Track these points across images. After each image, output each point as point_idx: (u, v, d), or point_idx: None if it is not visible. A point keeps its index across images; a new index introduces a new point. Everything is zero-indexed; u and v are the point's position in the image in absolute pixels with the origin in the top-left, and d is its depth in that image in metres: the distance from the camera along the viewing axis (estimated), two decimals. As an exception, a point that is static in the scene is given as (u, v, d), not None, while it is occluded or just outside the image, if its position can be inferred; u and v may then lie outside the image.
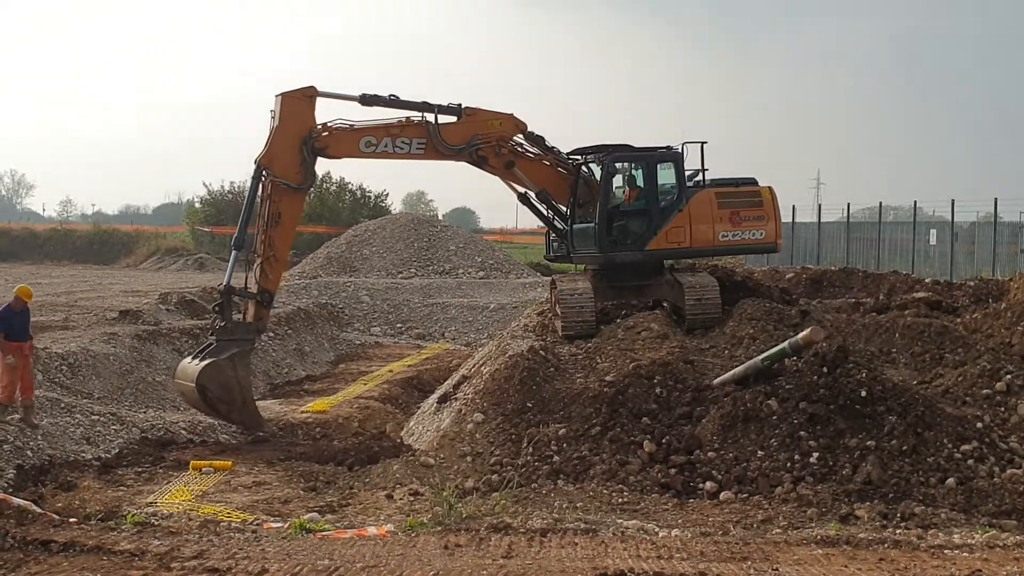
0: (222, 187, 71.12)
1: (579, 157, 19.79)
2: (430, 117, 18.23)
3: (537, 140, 19.23)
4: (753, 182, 19.78)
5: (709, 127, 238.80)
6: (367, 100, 17.94)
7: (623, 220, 19.37)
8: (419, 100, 18.28)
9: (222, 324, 17.41)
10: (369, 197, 70.85)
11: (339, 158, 18.33)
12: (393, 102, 18.21)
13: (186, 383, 17.06)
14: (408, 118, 18.34)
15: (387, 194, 73.19)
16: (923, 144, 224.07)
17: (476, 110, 18.69)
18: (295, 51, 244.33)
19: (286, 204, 17.51)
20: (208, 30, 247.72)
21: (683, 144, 19.27)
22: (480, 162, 18.74)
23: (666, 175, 19.27)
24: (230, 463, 14.95)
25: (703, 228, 18.99)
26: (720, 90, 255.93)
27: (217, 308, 17.91)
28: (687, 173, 19.32)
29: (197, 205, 75.00)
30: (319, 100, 17.73)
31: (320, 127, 17.63)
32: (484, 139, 18.49)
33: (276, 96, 17.59)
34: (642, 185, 19.21)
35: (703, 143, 19.37)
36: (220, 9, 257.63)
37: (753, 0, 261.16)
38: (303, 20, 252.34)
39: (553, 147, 19.47)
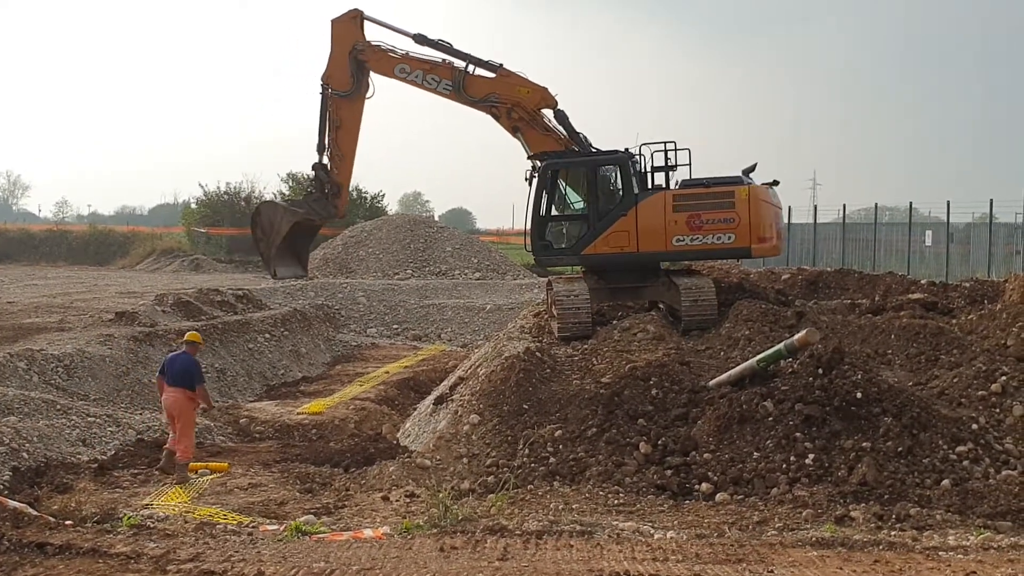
0: (218, 188, 71.03)
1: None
2: (469, 67, 20.17)
3: (561, 118, 19.60)
4: (735, 181, 18.94)
5: (704, 127, 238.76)
6: (419, 39, 20.45)
7: (560, 224, 19.70)
8: (466, 52, 20.36)
9: (311, 190, 21.68)
10: (365, 198, 70.74)
11: (378, 73, 20.74)
12: (441, 46, 20.31)
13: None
14: (446, 60, 20.25)
15: (383, 195, 73.11)
16: (919, 145, 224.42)
17: (511, 73, 19.94)
18: (292, 49, 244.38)
19: (343, 111, 21.04)
20: (206, 27, 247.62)
21: (640, 146, 19.31)
22: (495, 118, 20.20)
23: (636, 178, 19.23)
24: (227, 465, 14.99)
25: (653, 232, 18.69)
26: (716, 91, 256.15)
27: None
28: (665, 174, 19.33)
29: (193, 206, 74.90)
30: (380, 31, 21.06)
31: (366, 43, 20.55)
32: (500, 99, 19.84)
33: (330, 22, 20.88)
34: (584, 190, 19.45)
35: (666, 143, 19.34)
36: (214, 5, 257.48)
37: (750, 2, 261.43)
38: (300, 20, 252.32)
39: (577, 132, 19.74)
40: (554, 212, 19.64)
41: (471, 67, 20.08)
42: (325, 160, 21.55)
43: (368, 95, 21.21)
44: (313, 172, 21.30)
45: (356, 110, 21.26)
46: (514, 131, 20.17)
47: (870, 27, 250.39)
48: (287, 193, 69.90)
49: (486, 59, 20.11)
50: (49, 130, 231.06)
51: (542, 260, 20.39)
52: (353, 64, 20.64)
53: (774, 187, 19.25)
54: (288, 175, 70.46)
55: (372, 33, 21.00)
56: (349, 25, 20.99)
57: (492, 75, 20.09)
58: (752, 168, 19.01)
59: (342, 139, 21.23)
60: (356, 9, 21.09)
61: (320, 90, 21.23)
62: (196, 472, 14.53)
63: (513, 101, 19.85)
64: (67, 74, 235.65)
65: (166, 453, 14.60)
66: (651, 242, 18.68)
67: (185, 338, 15.54)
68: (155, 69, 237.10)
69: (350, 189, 68.21)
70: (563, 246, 19.59)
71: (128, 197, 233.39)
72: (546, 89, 19.91)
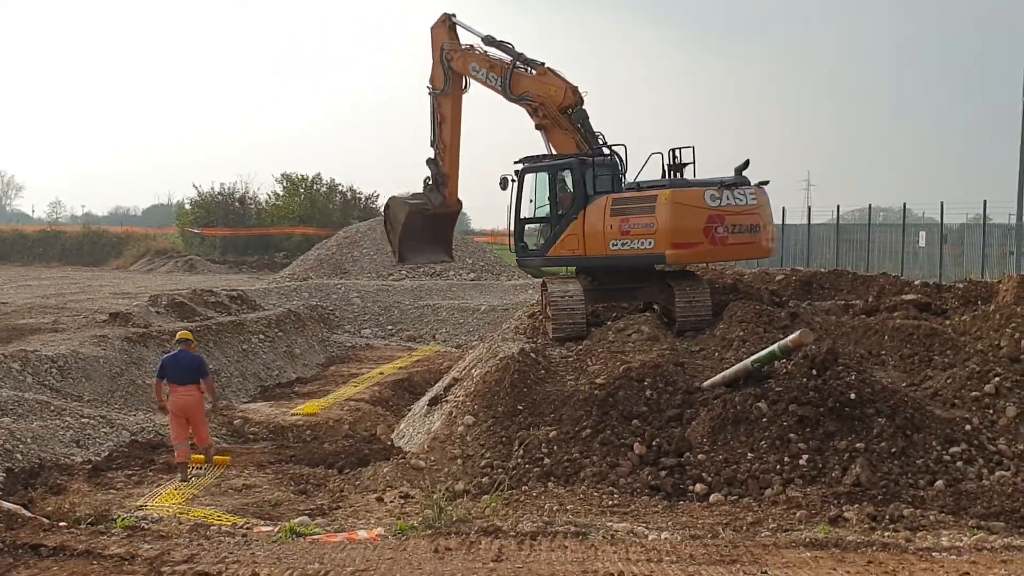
0: (212, 188, 70.99)
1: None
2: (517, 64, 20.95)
3: (581, 118, 20.13)
4: (673, 185, 18.66)
5: (698, 128, 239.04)
6: (487, 40, 21.44)
7: (533, 226, 20.48)
8: (520, 52, 21.08)
9: (428, 181, 22.50)
10: (360, 198, 70.78)
11: (459, 71, 21.67)
12: (503, 46, 21.30)
13: None
14: (504, 59, 21.15)
15: (377, 195, 73.02)
16: (912, 146, 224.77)
17: (547, 72, 20.48)
18: (293, 49, 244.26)
19: (442, 107, 21.94)
20: (206, 26, 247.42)
21: (608, 147, 19.46)
22: (530, 116, 20.89)
23: (602, 182, 19.32)
24: (228, 457, 15.25)
25: (594, 237, 18.74)
26: (710, 92, 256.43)
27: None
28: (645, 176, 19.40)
29: (187, 207, 74.85)
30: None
31: (450, 43, 21.62)
32: (532, 97, 20.39)
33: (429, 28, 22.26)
34: (547, 193, 19.78)
35: (624, 146, 19.76)
36: (216, 7, 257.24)
37: (744, 3, 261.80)
38: (299, 20, 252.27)
39: (594, 133, 20.14)
40: (526, 215, 20.20)
41: (519, 65, 20.75)
42: (434, 154, 22.64)
43: (464, 90, 22.12)
44: (428, 165, 22.64)
45: (453, 105, 22.18)
46: (539, 129, 20.74)
47: (864, 28, 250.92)
48: (280, 193, 70.02)
49: (532, 58, 20.87)
50: (43, 131, 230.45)
51: (520, 261, 21.07)
52: (444, 64, 21.74)
53: (763, 186, 19.11)
54: (283, 175, 70.54)
55: (463, 36, 22.17)
56: (440, 28, 22.09)
57: (533, 73, 20.74)
58: (745, 165, 18.95)
59: (445, 133, 22.22)
60: (445, 13, 22.20)
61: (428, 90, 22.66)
62: (200, 465, 14.59)
63: (540, 100, 20.33)
64: (62, 74, 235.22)
65: (184, 467, 14.43)
66: (594, 246, 18.76)
67: (178, 337, 15.53)
68: (154, 69, 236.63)
69: (344, 190, 69.41)
70: (535, 248, 20.18)
71: (122, 198, 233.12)
72: (571, 87, 20.22)
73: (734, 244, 18.21)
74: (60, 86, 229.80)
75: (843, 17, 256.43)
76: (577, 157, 19.32)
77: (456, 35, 22.03)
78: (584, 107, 20.22)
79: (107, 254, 70.48)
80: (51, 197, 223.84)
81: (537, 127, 20.82)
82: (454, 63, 21.62)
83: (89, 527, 10.96)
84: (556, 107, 20.22)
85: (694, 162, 19.45)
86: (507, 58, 21.11)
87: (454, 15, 22.15)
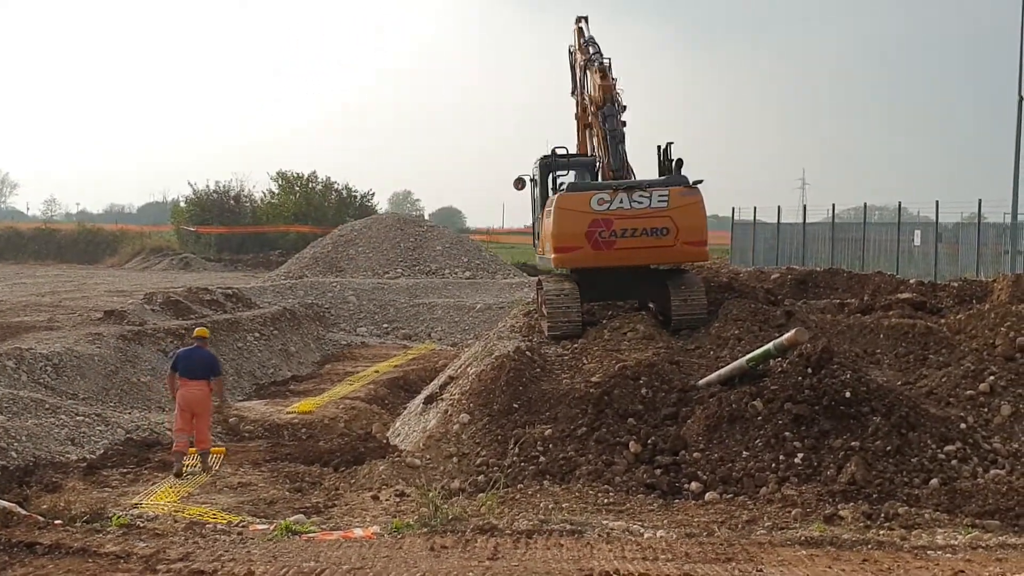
0: (207, 186, 70.99)
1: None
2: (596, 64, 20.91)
3: (605, 115, 20.11)
4: (571, 188, 18.65)
5: (693, 128, 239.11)
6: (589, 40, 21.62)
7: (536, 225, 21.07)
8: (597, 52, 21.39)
9: None
10: (355, 197, 70.84)
11: (578, 73, 21.97)
12: (592, 43, 21.45)
13: None
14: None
15: (373, 194, 73.33)
16: (908, 145, 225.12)
17: (604, 73, 20.24)
18: (292, 49, 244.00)
19: (579, 105, 22.18)
20: (196, 26, 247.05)
21: (553, 149, 19.77)
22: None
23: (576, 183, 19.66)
24: (223, 448, 15.52)
25: (543, 240, 19.10)
26: (705, 91, 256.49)
27: None
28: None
29: (182, 204, 74.83)
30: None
31: (573, 44, 22.10)
32: (588, 98, 20.65)
33: None
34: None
35: (560, 148, 20.08)
36: (215, 5, 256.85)
37: (738, 3, 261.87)
38: (300, 20, 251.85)
39: (611, 135, 20.19)
40: (535, 215, 20.87)
41: (594, 64, 20.71)
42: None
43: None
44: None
45: (581, 109, 22.45)
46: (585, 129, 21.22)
47: (861, 28, 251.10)
48: (276, 192, 69.95)
49: (604, 59, 20.95)
50: (38, 128, 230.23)
51: (537, 258, 21.57)
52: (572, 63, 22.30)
53: (694, 187, 18.68)
54: (278, 173, 70.54)
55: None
56: (573, 31, 22.43)
57: (598, 76, 20.65)
58: (679, 165, 19.01)
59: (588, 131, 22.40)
60: (578, 16, 22.53)
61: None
62: (195, 465, 14.63)
63: (587, 100, 20.66)
64: (58, 72, 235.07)
65: (180, 456, 14.52)
66: (543, 249, 19.29)
67: (195, 334, 15.84)
68: (150, 67, 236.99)
69: (339, 188, 69.26)
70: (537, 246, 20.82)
71: (117, 195, 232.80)
72: (606, 87, 19.96)
73: (624, 249, 17.88)
74: (55, 84, 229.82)
75: (840, 17, 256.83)
76: (541, 157, 19.51)
77: (578, 36, 22.24)
78: (613, 105, 19.75)
79: (102, 252, 70.48)
80: (46, 194, 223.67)
81: (585, 127, 21.39)
82: (575, 64, 22.05)
83: (84, 525, 10.94)
84: (595, 108, 20.20)
85: (665, 159, 19.42)
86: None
87: (585, 17, 22.34)
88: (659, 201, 17.82)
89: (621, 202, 17.80)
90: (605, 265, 18.34)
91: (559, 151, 20.40)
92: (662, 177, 18.82)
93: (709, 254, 17.80)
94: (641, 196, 17.85)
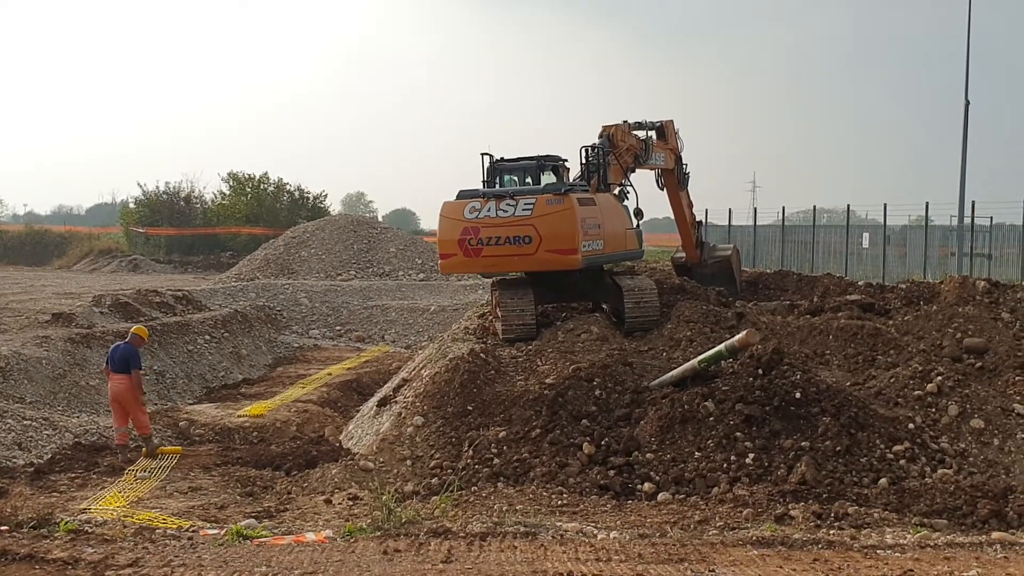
0: (157, 187, 70.21)
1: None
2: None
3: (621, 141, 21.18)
4: (459, 196, 18.64)
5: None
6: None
7: None
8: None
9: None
10: (307, 198, 70.41)
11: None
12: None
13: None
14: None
15: (326, 195, 72.85)
16: (857, 148, 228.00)
17: (618, 130, 21.15)
18: (293, 48, 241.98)
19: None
20: (207, 25, 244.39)
21: (481, 154, 19.74)
22: None
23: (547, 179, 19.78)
24: (180, 448, 15.86)
25: None
26: (656, 93, 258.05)
27: None
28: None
29: (132, 206, 73.90)
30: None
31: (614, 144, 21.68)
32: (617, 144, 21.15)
33: None
34: None
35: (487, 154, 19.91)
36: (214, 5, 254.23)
37: (690, 5, 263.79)
38: (300, 20, 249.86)
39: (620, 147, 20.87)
40: None
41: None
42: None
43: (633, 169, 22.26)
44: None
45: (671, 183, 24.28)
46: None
47: (810, 32, 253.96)
48: (227, 192, 69.35)
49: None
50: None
51: None
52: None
53: (567, 194, 18.95)
54: (229, 174, 69.94)
55: None
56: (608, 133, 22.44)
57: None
58: (566, 171, 19.76)
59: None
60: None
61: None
62: (147, 469, 14.53)
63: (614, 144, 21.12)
64: (2, 71, 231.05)
65: (124, 449, 15.42)
66: None
67: (132, 329, 16.78)
68: (97, 66, 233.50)
69: (291, 189, 68.86)
70: None
71: (65, 197, 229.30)
72: (611, 126, 21.18)
73: (492, 256, 18.08)
74: (0, 83, 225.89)
75: (789, 20, 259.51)
76: (492, 161, 19.54)
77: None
78: (604, 137, 20.83)
79: (50, 254, 69.57)
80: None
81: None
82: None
83: (31, 531, 10.76)
84: (621, 143, 21.29)
85: (583, 161, 19.85)
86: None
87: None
88: (524, 210, 17.89)
89: (489, 211, 17.99)
90: (475, 272, 19.18)
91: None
92: (538, 186, 19.10)
93: (581, 261, 17.75)
94: (508, 205, 17.97)
